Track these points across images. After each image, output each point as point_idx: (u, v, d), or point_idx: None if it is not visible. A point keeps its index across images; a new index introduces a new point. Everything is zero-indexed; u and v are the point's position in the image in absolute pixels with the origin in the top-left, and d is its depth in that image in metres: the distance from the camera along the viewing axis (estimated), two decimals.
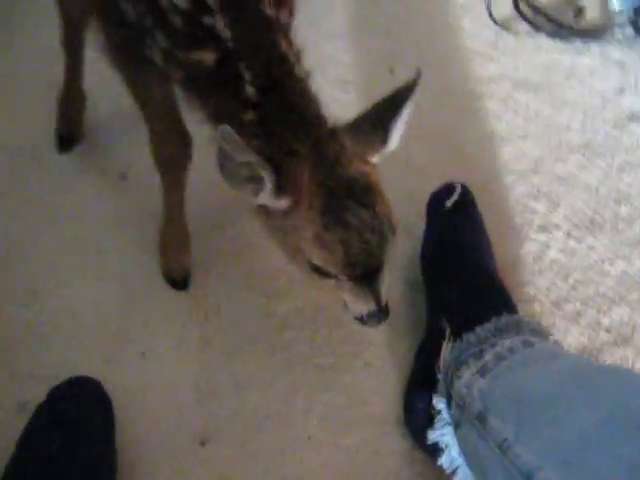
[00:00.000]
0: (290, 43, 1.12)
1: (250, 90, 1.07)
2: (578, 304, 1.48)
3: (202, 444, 1.35)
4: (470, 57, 1.85)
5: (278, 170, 1.00)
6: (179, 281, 1.49)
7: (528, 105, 1.76)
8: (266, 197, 1.03)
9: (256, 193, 1.03)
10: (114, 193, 1.62)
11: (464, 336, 1.25)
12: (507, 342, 1.20)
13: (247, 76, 1.07)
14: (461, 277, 1.35)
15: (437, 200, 1.46)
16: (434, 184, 1.51)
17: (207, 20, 1.05)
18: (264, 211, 1.08)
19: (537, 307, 1.47)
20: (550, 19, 1.90)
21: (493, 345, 1.21)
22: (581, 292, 1.49)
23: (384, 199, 1.06)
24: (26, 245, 1.54)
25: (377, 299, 1.10)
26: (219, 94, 1.09)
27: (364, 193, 1.03)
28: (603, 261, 1.53)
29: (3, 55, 1.82)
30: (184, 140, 1.33)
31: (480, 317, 1.26)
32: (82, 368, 1.35)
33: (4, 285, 1.49)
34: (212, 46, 1.07)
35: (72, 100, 1.65)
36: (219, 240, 1.55)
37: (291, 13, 1.15)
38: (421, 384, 1.31)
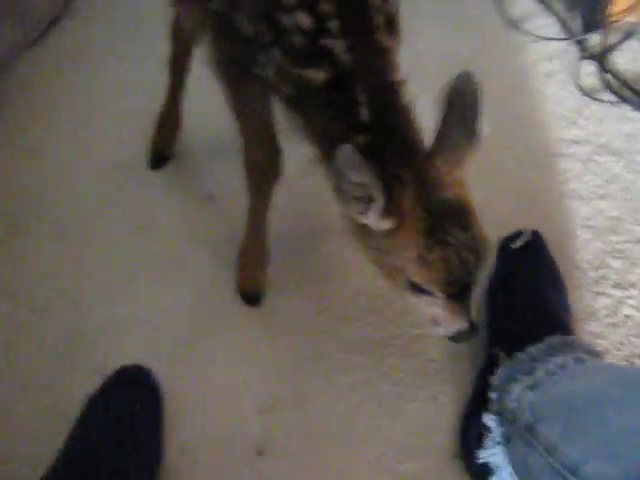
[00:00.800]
0: (397, 71, 1.18)
1: (365, 113, 1.13)
2: None
3: (259, 454, 1.35)
4: (554, 120, 1.88)
5: (386, 194, 1.05)
6: (253, 297, 1.53)
7: (608, 168, 1.78)
8: (373, 217, 1.07)
9: (364, 212, 1.08)
10: (200, 212, 1.69)
11: (516, 355, 1.27)
12: (559, 359, 1.22)
13: (362, 99, 1.13)
14: (520, 308, 1.37)
15: (507, 241, 1.50)
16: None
17: (326, 42, 1.12)
18: (365, 231, 1.13)
19: (609, 360, 1.45)
20: (635, 92, 1.94)
21: (545, 362, 1.22)
22: None
23: (478, 220, 1.11)
24: (110, 249, 1.61)
25: (469, 315, 1.15)
26: (330, 115, 1.15)
27: (461, 215, 1.09)
28: None
29: (107, 80, 1.96)
30: (276, 154, 1.38)
31: (533, 338, 1.28)
32: None
33: (85, 284, 1.56)
34: (326, 66, 1.13)
35: (169, 119, 1.75)
36: (295, 263, 1.59)
37: (399, 42, 1.22)
38: (475, 407, 1.32)
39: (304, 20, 1.11)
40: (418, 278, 1.10)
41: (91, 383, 1.36)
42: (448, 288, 1.10)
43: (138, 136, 1.78)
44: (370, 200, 1.05)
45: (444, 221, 1.07)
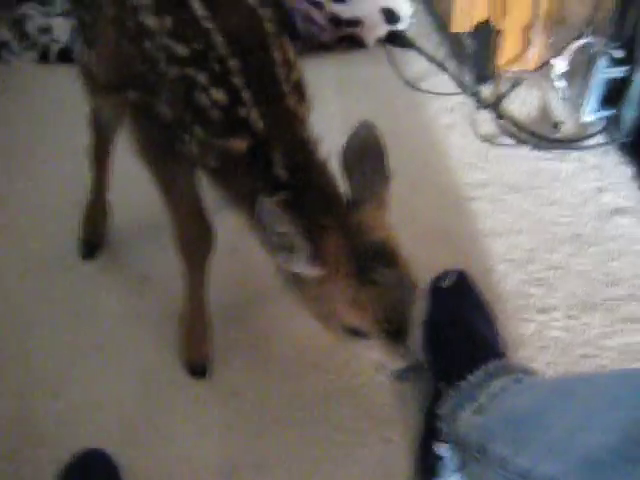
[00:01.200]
0: (310, 132, 1.27)
1: (281, 172, 1.21)
2: None
3: None
4: (460, 167, 2.01)
5: (311, 242, 1.12)
6: (199, 368, 1.56)
7: (517, 205, 1.91)
8: (300, 264, 1.14)
9: (291, 261, 1.14)
10: (135, 294, 1.72)
11: (458, 385, 1.34)
12: (499, 382, 1.30)
13: (278, 161, 1.21)
14: (456, 342, 1.46)
15: (437, 282, 1.59)
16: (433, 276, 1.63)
17: (242, 112, 1.20)
18: (299, 281, 1.19)
19: None
20: (531, 133, 2.10)
21: (486, 387, 1.30)
22: (583, 366, 1.56)
23: (404, 259, 1.18)
24: (52, 342, 1.62)
25: (409, 353, 1.20)
26: (251, 179, 1.23)
27: (387, 255, 1.15)
28: (601, 337, 1.61)
29: (30, 178, 2.00)
30: (207, 227, 1.44)
31: (472, 367, 1.36)
32: None
33: (34, 377, 1.56)
34: (246, 134, 1.21)
35: (97, 209, 1.79)
36: (236, 330, 1.63)
37: (308, 108, 1.31)
38: (428, 441, 1.38)
39: (219, 96, 1.20)
40: (352, 320, 1.15)
41: (48, 474, 1.36)
42: (383, 327, 1.14)
43: (67, 228, 1.82)
44: (294, 249, 1.12)
45: (370, 262, 1.13)
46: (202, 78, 1.20)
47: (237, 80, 1.20)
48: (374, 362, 1.25)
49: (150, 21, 1.23)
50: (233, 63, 1.20)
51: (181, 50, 1.21)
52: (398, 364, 1.21)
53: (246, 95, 1.20)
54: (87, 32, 1.42)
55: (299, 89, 1.29)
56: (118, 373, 1.57)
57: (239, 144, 1.21)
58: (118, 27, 1.29)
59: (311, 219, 1.16)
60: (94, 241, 1.80)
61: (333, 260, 1.14)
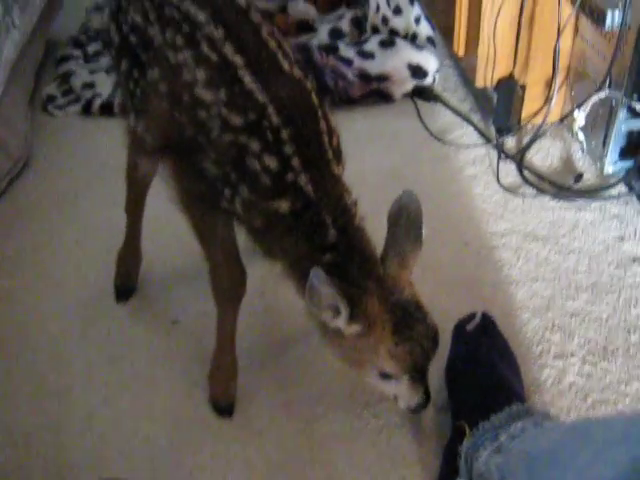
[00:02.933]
0: (350, 194, 1.38)
1: (332, 233, 1.32)
2: None
3: None
4: (483, 216, 2.08)
5: (354, 303, 1.26)
6: (225, 408, 1.62)
7: (537, 253, 1.96)
8: (344, 323, 1.28)
9: (335, 319, 1.28)
10: (165, 336, 1.80)
11: (480, 424, 1.39)
12: (519, 424, 1.35)
13: (329, 221, 1.32)
14: (480, 383, 1.49)
15: (462, 324, 1.64)
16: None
17: (290, 177, 1.30)
18: (336, 334, 1.32)
19: None
20: (552, 183, 2.15)
21: (507, 428, 1.35)
22: (600, 411, 1.59)
23: (428, 311, 1.33)
24: (87, 379, 1.71)
25: (426, 389, 1.38)
26: (298, 237, 1.33)
27: (417, 310, 1.32)
28: (619, 382, 1.63)
29: (69, 226, 2.13)
30: (241, 274, 1.53)
31: (494, 409, 1.41)
32: None
33: (69, 412, 1.64)
34: (292, 197, 1.31)
35: (130, 256, 1.89)
36: (260, 370, 1.70)
37: (343, 168, 1.42)
38: (446, 477, 1.42)
39: (270, 162, 1.29)
40: (388, 368, 1.32)
41: None
42: (412, 373, 1.33)
43: (102, 274, 1.93)
44: (339, 311, 1.26)
45: (406, 319, 1.29)
46: (255, 145, 1.29)
47: (288, 148, 1.29)
48: (394, 396, 1.41)
49: (205, 94, 1.32)
50: (285, 133, 1.29)
51: (236, 119, 1.30)
52: (416, 400, 1.39)
53: (295, 162, 1.30)
54: (136, 102, 1.48)
55: (337, 153, 1.39)
56: (148, 410, 1.64)
57: (284, 205, 1.31)
58: (172, 100, 1.37)
59: (353, 281, 1.30)
60: (127, 285, 1.89)
61: (372, 318, 1.28)
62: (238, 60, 1.31)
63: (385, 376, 1.34)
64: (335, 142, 1.39)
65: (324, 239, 1.32)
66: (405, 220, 1.33)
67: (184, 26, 1.35)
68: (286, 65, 1.35)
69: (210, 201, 1.40)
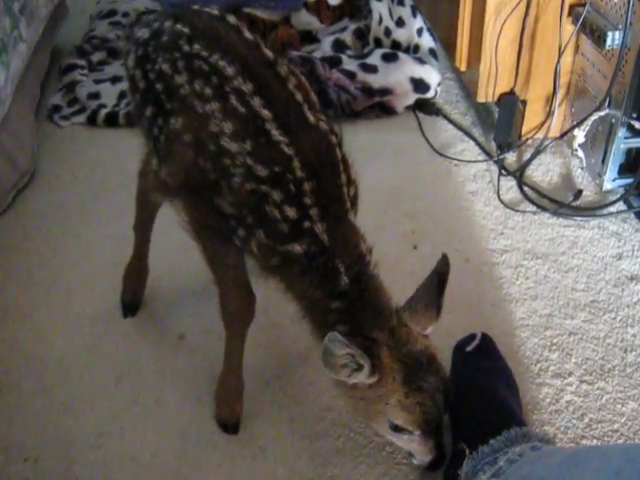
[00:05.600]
0: (365, 242, 1.41)
1: (344, 280, 1.34)
2: (595, 441, 1.60)
3: None
4: (484, 233, 2.12)
5: (368, 358, 1.27)
6: (231, 426, 1.65)
7: (537, 271, 1.99)
8: (362, 377, 1.30)
9: (351, 375, 1.30)
10: (172, 352, 1.83)
11: (479, 448, 1.42)
12: (518, 449, 1.38)
13: (342, 269, 1.34)
14: (479, 406, 1.53)
15: (461, 345, 1.67)
16: (457, 341, 1.71)
17: (306, 224, 1.33)
18: (349, 385, 1.34)
19: (557, 444, 1.60)
20: (552, 200, 2.18)
21: (505, 453, 1.38)
22: (597, 430, 1.62)
23: (442, 364, 1.36)
24: (95, 395, 1.74)
25: (440, 449, 1.40)
26: (310, 281, 1.36)
27: (430, 362, 1.33)
28: (615, 402, 1.67)
29: (76, 239, 2.17)
30: (250, 299, 1.56)
31: (493, 432, 1.44)
32: None
33: (78, 428, 1.67)
34: (306, 241, 1.33)
35: (137, 272, 1.92)
36: (265, 388, 1.73)
37: (356, 212, 1.45)
38: None
39: (290, 212, 1.32)
40: (399, 420, 1.33)
41: None
42: (424, 426, 1.33)
43: (109, 288, 1.96)
44: (356, 368, 1.28)
45: (417, 370, 1.31)
46: (276, 196, 1.32)
47: (308, 199, 1.32)
48: (408, 451, 1.45)
49: (232, 145, 1.34)
50: (307, 185, 1.32)
51: (261, 170, 1.33)
52: (429, 457, 1.41)
53: (314, 212, 1.33)
54: (160, 148, 1.49)
55: (354, 201, 1.42)
56: (154, 426, 1.67)
57: (298, 248, 1.33)
58: (197, 149, 1.39)
59: (365, 332, 1.33)
60: (134, 301, 1.92)
61: (385, 370, 1.30)
62: (266, 113, 1.33)
63: (397, 429, 1.35)
64: (353, 192, 1.42)
65: (336, 285, 1.34)
66: (435, 286, 1.39)
67: (213, 78, 1.37)
68: (312, 118, 1.38)
69: (222, 235, 1.44)
